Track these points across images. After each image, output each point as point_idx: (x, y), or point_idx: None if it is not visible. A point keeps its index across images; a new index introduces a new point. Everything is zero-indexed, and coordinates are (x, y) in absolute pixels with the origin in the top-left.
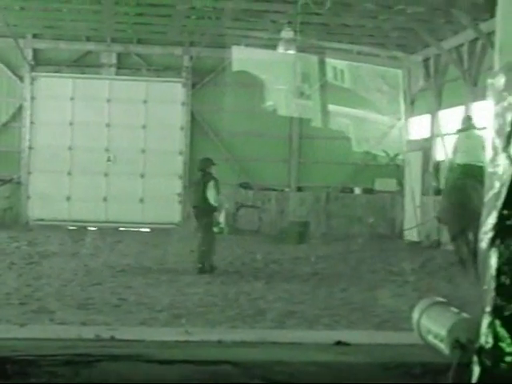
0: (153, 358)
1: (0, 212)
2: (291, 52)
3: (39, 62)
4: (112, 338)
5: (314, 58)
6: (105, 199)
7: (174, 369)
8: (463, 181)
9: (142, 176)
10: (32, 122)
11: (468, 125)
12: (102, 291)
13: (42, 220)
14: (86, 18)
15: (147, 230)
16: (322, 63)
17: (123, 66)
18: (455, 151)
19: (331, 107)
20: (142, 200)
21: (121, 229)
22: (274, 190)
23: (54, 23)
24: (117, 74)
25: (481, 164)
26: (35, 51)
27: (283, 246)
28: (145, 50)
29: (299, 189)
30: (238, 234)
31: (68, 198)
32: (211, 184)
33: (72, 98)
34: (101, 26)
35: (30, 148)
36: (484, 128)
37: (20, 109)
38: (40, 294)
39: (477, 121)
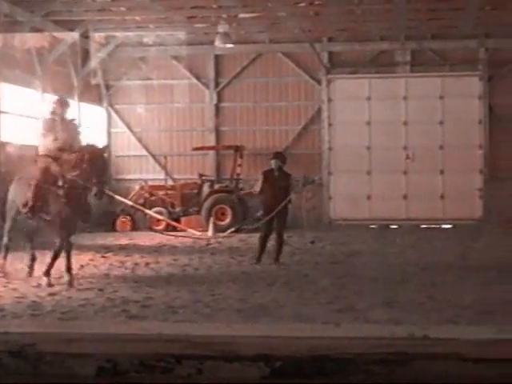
0: (467, 357)
1: (304, 213)
2: None
3: (335, 64)
4: (425, 337)
5: None
6: (405, 197)
7: (488, 367)
8: None
9: (442, 172)
10: (330, 124)
11: None
12: (405, 289)
13: (343, 219)
14: (379, 18)
15: (448, 226)
16: None
17: (417, 62)
18: None
19: None
20: (442, 196)
21: (422, 226)
22: None
23: (347, 25)
24: (411, 71)
25: None
26: (330, 54)
27: None
28: (438, 45)
29: None
30: None
31: (368, 197)
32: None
33: (368, 98)
34: (394, 25)
35: (330, 149)
36: None
37: (318, 111)
38: (345, 292)
39: None
